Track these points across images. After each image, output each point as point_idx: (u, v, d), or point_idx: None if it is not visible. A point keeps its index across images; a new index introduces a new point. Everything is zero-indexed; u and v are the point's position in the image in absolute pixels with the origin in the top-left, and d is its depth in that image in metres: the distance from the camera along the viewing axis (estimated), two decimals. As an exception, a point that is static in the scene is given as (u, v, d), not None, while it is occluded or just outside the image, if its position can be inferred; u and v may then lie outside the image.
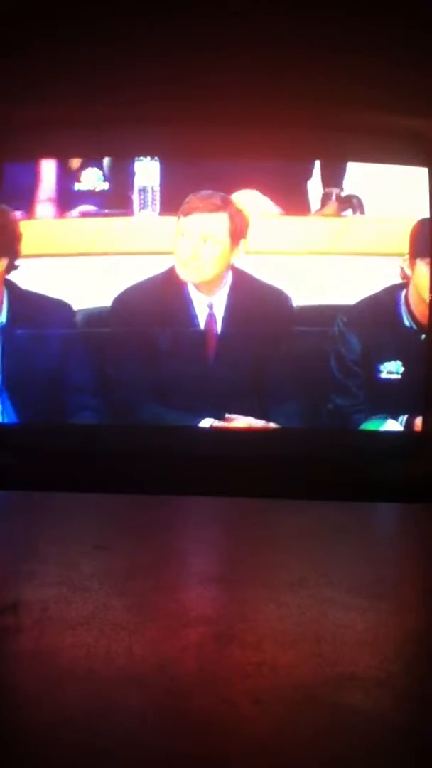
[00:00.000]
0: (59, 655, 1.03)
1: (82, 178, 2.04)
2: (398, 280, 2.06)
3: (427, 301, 2.03)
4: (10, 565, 1.35)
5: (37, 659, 1.02)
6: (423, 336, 2.05)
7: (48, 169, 2.06)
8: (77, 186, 2.03)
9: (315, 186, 2.08)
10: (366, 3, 1.53)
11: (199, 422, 2.07)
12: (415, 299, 2.07)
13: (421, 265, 2.03)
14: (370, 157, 2.01)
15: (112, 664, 1.01)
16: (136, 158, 2.04)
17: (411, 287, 2.05)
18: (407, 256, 2.03)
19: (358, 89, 1.77)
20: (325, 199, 2.08)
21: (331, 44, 1.64)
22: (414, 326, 2.08)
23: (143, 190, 2.08)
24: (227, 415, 2.09)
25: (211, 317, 2.10)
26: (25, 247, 2.06)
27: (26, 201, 2.08)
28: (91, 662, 1.01)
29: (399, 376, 2.07)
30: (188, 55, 1.71)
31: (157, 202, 2.08)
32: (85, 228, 2.08)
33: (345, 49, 1.66)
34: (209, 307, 2.09)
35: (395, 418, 2.06)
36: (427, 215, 2.02)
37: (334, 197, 2.06)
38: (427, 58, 1.63)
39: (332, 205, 2.06)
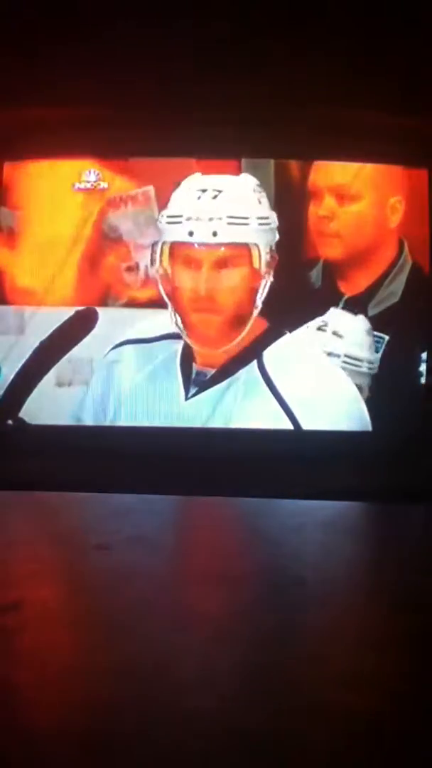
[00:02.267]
0: (59, 655, 1.03)
1: (82, 178, 2.04)
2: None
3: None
4: (10, 565, 1.35)
5: (37, 659, 1.02)
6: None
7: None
8: (77, 185, 2.04)
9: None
10: (366, 2, 1.53)
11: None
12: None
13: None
14: (369, 157, 2.01)
15: (112, 664, 1.01)
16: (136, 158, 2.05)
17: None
18: None
19: (357, 89, 1.77)
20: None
21: (331, 43, 1.64)
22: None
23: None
24: None
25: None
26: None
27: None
28: (91, 662, 1.01)
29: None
30: (186, 55, 1.71)
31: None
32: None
33: (344, 49, 1.66)
34: None
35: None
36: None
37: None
38: (427, 58, 1.63)
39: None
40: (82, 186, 2.03)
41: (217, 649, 1.04)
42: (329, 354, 2.00)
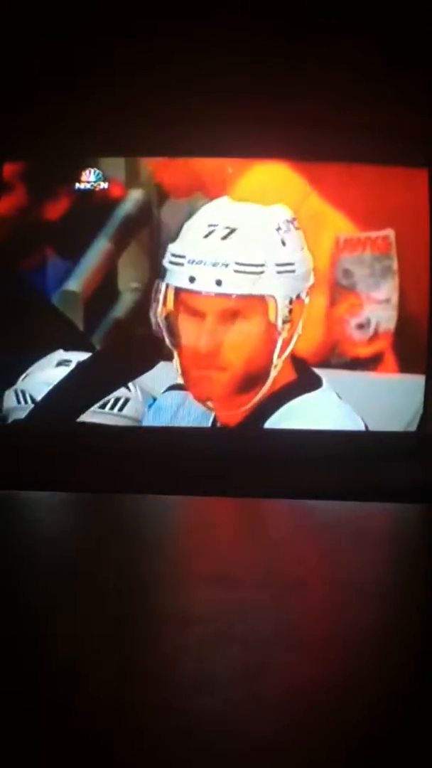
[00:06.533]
0: (57, 656, 1.02)
1: (82, 178, 2.04)
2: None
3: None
4: (10, 565, 1.34)
5: (37, 660, 1.02)
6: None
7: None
8: (77, 186, 2.03)
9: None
10: (366, 1, 1.53)
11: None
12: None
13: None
14: (370, 157, 2.01)
15: (111, 664, 1.00)
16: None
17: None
18: None
19: (357, 88, 1.77)
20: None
21: (331, 43, 1.64)
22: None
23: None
24: None
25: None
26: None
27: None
28: (91, 662, 1.01)
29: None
30: (187, 55, 1.71)
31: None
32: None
33: (345, 48, 1.66)
34: None
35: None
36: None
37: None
38: (427, 57, 1.63)
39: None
40: (82, 187, 2.02)
41: (217, 650, 1.04)
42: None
